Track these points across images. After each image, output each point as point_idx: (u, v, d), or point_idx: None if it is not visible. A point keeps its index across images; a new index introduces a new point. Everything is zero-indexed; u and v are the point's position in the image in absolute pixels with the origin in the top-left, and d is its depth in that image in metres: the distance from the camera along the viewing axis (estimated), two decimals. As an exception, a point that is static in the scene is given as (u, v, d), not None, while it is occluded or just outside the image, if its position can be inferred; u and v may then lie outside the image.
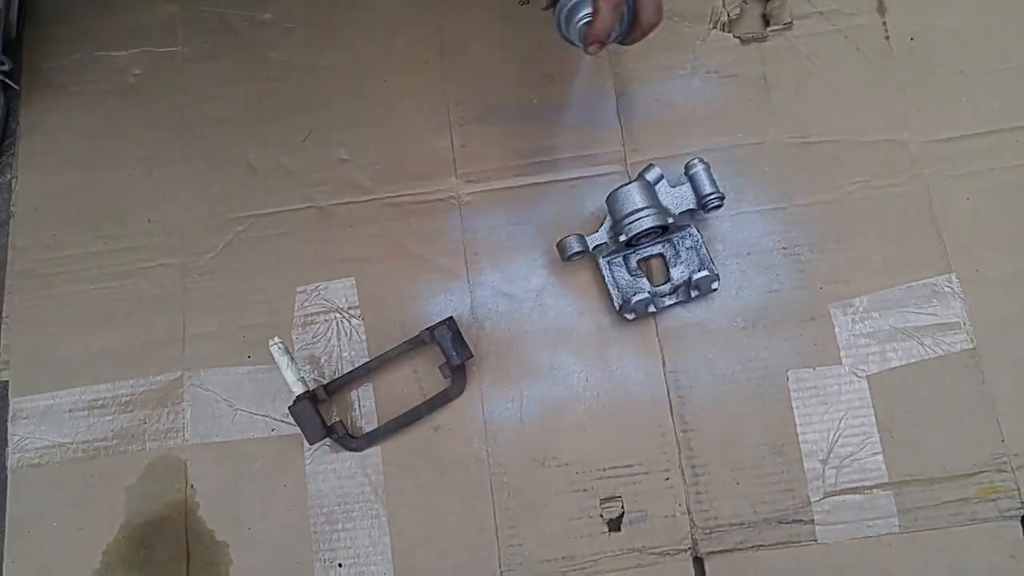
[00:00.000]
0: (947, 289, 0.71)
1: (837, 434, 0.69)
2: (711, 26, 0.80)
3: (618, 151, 0.78)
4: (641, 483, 0.70)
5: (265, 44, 0.84)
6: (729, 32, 0.80)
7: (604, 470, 0.70)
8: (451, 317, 0.71)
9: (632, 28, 0.62)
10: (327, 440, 0.71)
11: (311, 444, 0.70)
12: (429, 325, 0.71)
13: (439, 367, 0.71)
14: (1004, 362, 0.69)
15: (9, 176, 0.83)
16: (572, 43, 0.65)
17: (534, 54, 0.81)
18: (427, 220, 0.78)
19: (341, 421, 0.71)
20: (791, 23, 0.79)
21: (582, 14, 0.60)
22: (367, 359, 0.73)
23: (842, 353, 0.71)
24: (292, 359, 0.70)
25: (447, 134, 0.80)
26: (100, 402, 0.75)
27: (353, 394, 0.74)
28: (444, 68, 0.82)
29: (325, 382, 0.72)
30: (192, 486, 0.72)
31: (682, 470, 0.70)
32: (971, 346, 0.70)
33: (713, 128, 0.77)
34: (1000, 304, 0.70)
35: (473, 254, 0.76)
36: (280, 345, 0.69)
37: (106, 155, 0.82)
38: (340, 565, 0.70)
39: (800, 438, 0.69)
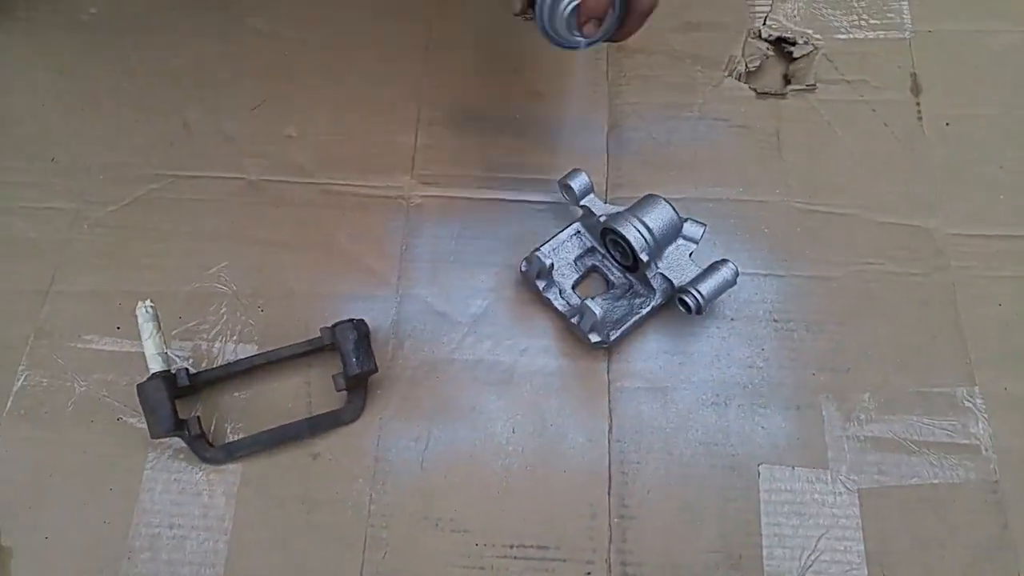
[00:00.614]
0: (968, 404, 0.58)
1: (813, 556, 0.54)
2: (726, 73, 0.72)
3: (599, 183, 0.67)
4: (554, 572, 0.54)
5: (244, 8, 0.77)
6: (745, 83, 0.71)
7: (512, 547, 0.55)
8: (362, 319, 0.58)
9: (626, 15, 0.53)
10: (175, 440, 0.56)
11: (152, 436, 0.54)
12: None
13: (333, 376, 0.57)
14: (1033, 503, 0.55)
15: (-83, 87, 0.73)
16: (562, 43, 0.55)
17: (524, 69, 0.73)
18: (367, 215, 0.66)
19: (199, 419, 0.57)
20: (814, 86, 0.70)
21: None
22: (252, 355, 0.60)
23: (830, 455, 0.57)
24: (159, 330, 0.56)
25: (412, 131, 0.70)
26: (-79, 349, 0.61)
27: (226, 394, 0.60)
28: (425, 65, 0.73)
29: (195, 371, 0.58)
30: (-7, 470, 0.57)
31: (609, 566, 0.54)
32: (993, 478, 0.56)
33: (712, 177, 0.68)
34: (1030, 431, 0.57)
35: (410, 261, 0.64)
36: (150, 309, 0.56)
37: (34, 85, 0.72)
38: (146, 607, 0.53)
39: (764, 552, 0.54)
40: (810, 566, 0.53)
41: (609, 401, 0.59)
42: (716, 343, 0.61)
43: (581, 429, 0.58)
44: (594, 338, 0.58)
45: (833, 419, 0.58)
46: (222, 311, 0.62)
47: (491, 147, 0.69)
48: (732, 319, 0.62)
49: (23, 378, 0.60)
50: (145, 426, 0.56)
